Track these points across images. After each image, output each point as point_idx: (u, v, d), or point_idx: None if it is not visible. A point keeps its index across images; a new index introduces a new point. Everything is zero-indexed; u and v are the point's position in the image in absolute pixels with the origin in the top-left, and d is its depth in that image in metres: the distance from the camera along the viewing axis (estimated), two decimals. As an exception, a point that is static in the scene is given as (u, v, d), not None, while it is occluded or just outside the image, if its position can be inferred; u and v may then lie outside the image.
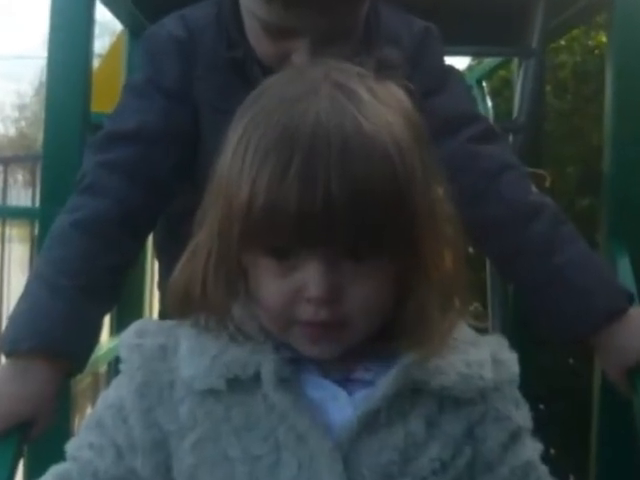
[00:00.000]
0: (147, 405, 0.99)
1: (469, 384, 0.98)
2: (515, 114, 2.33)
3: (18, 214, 4.47)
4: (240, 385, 0.97)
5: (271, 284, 0.94)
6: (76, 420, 2.00)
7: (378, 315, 0.95)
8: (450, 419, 0.98)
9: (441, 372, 0.97)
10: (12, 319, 1.29)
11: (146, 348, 1.01)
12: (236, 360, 0.97)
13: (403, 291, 0.96)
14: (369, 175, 0.88)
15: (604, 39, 2.97)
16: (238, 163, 0.92)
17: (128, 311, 2.43)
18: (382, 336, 0.98)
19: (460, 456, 0.98)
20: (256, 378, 0.96)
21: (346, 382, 0.98)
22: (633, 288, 1.54)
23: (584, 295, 1.37)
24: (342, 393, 0.97)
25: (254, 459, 0.95)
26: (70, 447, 1.03)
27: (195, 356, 0.98)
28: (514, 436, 1.01)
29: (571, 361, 3.11)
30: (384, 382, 0.96)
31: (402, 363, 0.96)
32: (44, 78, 1.95)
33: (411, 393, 0.97)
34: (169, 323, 1.04)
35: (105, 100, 1.88)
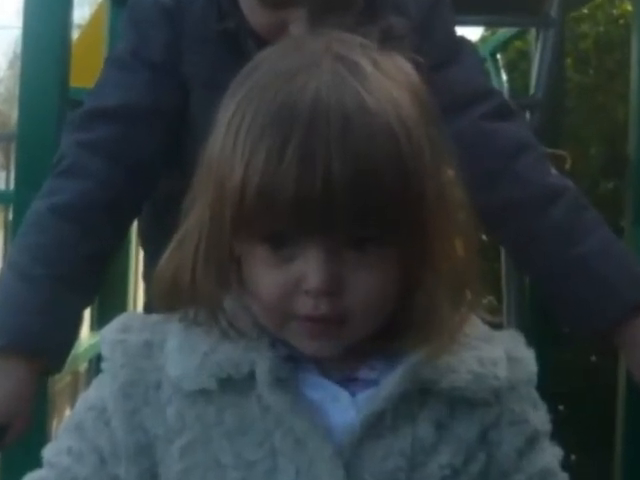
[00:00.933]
0: (132, 407, 0.99)
1: (482, 384, 0.97)
2: (532, 89, 2.33)
3: (-10, 198, 4.44)
4: (233, 385, 0.96)
5: (266, 275, 0.93)
6: (54, 423, 2.01)
7: (382, 310, 0.95)
8: (462, 422, 0.97)
9: (452, 370, 0.96)
10: (-16, 313, 1.29)
11: (130, 345, 1.01)
12: (229, 358, 0.96)
13: (410, 283, 0.95)
14: (372, 154, 0.88)
15: (629, 7, 2.97)
16: (230, 142, 0.92)
17: (110, 304, 2.44)
18: (388, 333, 0.97)
19: (473, 462, 0.97)
20: (250, 378, 0.96)
21: (348, 382, 0.98)
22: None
23: (606, 285, 1.37)
24: (344, 394, 0.97)
25: (248, 465, 0.95)
26: (47, 452, 1.03)
27: (184, 354, 0.98)
28: (531, 440, 1.00)
29: (593, 358, 3.12)
30: (389, 381, 0.96)
31: (409, 361, 0.96)
32: (19, 50, 1.95)
33: (419, 394, 0.96)
34: (155, 317, 1.03)
35: (85, 74, 1.87)
